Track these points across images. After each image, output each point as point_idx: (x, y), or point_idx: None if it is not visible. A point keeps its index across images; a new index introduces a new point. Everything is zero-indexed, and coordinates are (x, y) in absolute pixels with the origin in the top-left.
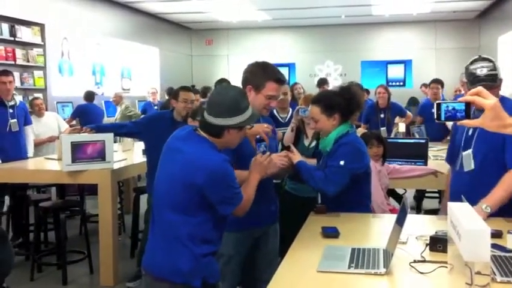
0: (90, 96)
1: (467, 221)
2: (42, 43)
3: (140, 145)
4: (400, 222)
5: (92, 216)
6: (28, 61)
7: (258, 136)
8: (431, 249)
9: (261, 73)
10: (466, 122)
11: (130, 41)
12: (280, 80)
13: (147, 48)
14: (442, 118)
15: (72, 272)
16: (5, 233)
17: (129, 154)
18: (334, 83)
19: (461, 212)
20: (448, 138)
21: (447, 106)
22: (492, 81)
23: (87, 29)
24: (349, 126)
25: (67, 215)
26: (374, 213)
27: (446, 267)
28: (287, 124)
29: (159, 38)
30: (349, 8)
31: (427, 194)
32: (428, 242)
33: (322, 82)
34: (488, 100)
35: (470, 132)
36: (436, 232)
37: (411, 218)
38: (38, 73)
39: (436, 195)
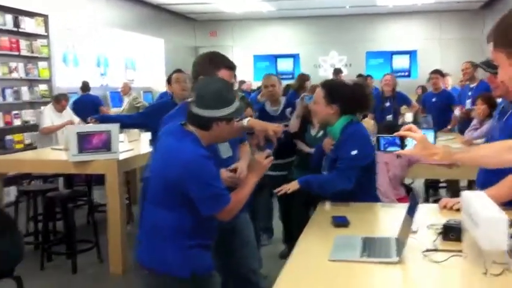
0: (85, 87)
1: (484, 209)
2: (46, 34)
3: (147, 135)
4: (411, 212)
5: (99, 206)
6: (32, 52)
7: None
8: (444, 238)
9: (210, 63)
10: (401, 152)
11: (134, 32)
12: (230, 67)
13: (152, 39)
14: (381, 148)
15: (81, 261)
16: (12, 222)
17: (135, 144)
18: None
19: (477, 200)
20: (449, 127)
21: (384, 139)
22: None
23: (92, 20)
24: (352, 116)
25: (74, 205)
26: (382, 203)
27: (460, 255)
28: (280, 117)
29: (164, 29)
30: None
31: (432, 184)
32: (440, 231)
33: (338, 71)
34: (417, 134)
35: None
36: (448, 221)
37: (421, 207)
38: (42, 64)
39: (444, 184)
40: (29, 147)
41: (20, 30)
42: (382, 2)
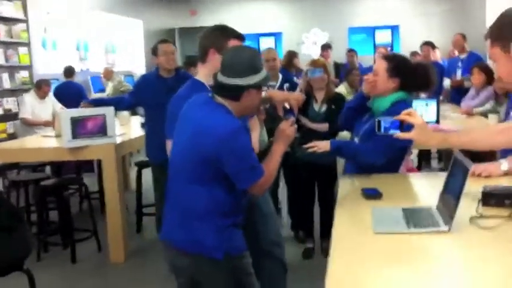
0: (69, 72)
1: None
2: (25, 18)
3: (137, 118)
4: (459, 177)
5: (91, 193)
6: (12, 37)
7: (287, 106)
8: (484, 204)
9: (220, 34)
10: (399, 134)
11: (113, 14)
12: (240, 37)
13: (131, 21)
14: (382, 131)
15: (80, 250)
16: (21, 216)
17: (127, 128)
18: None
19: None
20: (441, 98)
21: (385, 122)
22: None
23: (70, 3)
24: (407, 95)
25: (68, 193)
26: (402, 173)
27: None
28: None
29: (142, 10)
30: None
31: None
32: (479, 198)
33: (326, 46)
34: (417, 119)
35: None
36: (484, 187)
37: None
38: (22, 49)
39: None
40: (12, 136)
41: None
42: None
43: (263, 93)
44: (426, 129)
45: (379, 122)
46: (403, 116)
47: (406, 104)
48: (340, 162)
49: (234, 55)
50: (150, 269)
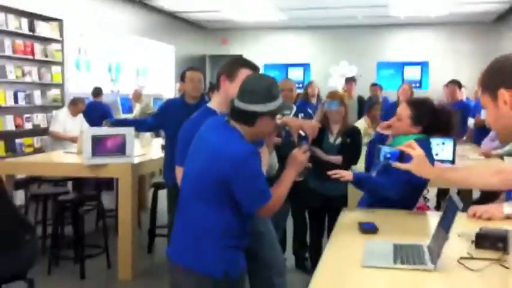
0: (96, 92)
1: None
2: (61, 39)
3: (159, 141)
4: (447, 218)
5: (108, 211)
6: (46, 56)
7: (302, 133)
8: (477, 246)
9: (234, 62)
10: (397, 164)
11: (146, 38)
12: (253, 66)
13: (163, 46)
14: (382, 158)
15: (89, 266)
16: (32, 226)
17: (147, 149)
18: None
19: None
20: (465, 138)
21: (386, 151)
22: None
23: (104, 26)
24: (425, 136)
25: (84, 209)
26: (407, 210)
27: (501, 264)
28: None
29: (175, 36)
30: (365, 8)
31: (444, 194)
32: (473, 239)
33: (350, 79)
34: (416, 151)
35: None
36: (480, 229)
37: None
38: (55, 68)
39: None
40: (39, 151)
41: (35, 34)
42: (395, 13)
43: (278, 121)
44: (424, 162)
45: (379, 149)
46: (403, 147)
47: (425, 141)
48: (351, 195)
49: (252, 82)
50: None
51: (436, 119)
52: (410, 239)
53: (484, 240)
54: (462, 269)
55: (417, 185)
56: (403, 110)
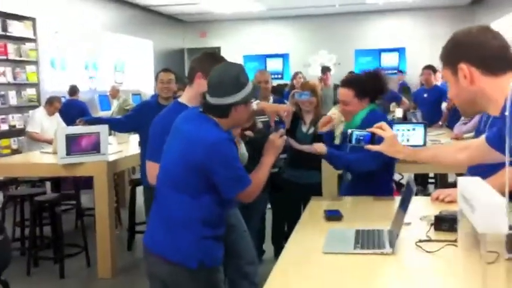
0: (73, 90)
1: (482, 193)
2: (34, 37)
3: (135, 137)
4: (405, 202)
5: (87, 209)
6: (20, 56)
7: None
8: (436, 229)
9: (209, 58)
10: (369, 146)
11: (123, 34)
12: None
13: (140, 41)
14: (353, 142)
15: (69, 265)
16: (2, 226)
17: (124, 146)
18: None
19: (474, 185)
20: (440, 123)
21: (357, 134)
22: None
23: (79, 23)
24: (374, 105)
25: (62, 209)
26: (375, 196)
27: (453, 245)
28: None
29: (152, 30)
30: None
31: (421, 180)
32: (432, 222)
33: (326, 69)
34: (387, 132)
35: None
36: (440, 212)
37: (414, 200)
38: (30, 68)
39: (432, 180)
40: (16, 152)
41: (7, 34)
42: (372, 0)
43: (254, 105)
44: (395, 142)
45: (351, 133)
46: (374, 129)
47: (376, 112)
48: (326, 183)
49: (218, 75)
50: (137, 286)
51: (373, 83)
52: (374, 225)
53: (442, 223)
54: (420, 251)
55: (387, 157)
56: (345, 94)
